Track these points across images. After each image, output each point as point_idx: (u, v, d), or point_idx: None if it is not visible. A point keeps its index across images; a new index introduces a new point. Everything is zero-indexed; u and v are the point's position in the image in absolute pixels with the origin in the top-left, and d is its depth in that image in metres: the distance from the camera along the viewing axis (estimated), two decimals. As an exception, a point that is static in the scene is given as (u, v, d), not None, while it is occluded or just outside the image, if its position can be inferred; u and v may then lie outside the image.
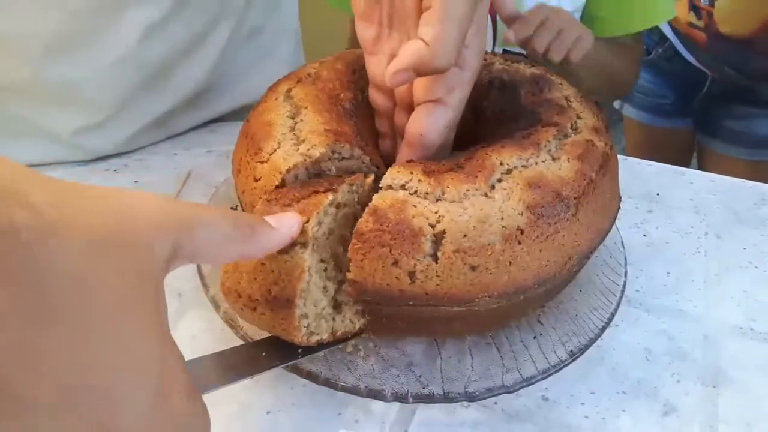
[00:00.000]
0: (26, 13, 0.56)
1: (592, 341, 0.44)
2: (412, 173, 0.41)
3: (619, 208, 0.48)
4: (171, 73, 0.66)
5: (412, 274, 0.38)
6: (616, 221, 0.48)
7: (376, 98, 0.48)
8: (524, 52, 0.82)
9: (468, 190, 0.40)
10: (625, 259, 0.51)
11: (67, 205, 0.23)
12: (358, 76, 0.50)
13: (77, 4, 0.57)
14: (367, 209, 0.39)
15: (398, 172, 0.41)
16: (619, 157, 0.52)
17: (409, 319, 0.43)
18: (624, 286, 0.48)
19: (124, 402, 0.24)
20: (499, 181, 0.41)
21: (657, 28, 1.17)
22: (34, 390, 0.22)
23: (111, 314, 0.24)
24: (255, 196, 0.44)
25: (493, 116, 0.50)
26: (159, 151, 0.69)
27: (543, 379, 0.42)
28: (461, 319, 0.43)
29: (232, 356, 0.37)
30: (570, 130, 0.45)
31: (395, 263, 0.38)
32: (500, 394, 0.41)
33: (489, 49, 0.92)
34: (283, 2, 0.77)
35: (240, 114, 0.75)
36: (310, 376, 0.41)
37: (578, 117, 0.47)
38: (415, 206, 0.39)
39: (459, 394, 0.41)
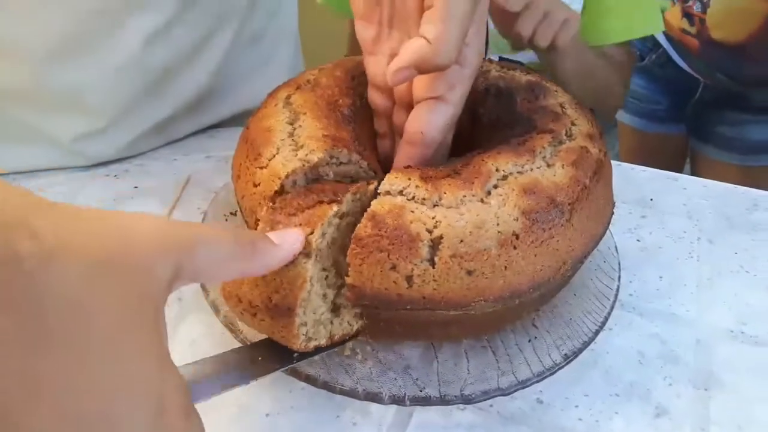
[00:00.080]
0: (29, 18, 0.57)
1: (586, 345, 0.44)
2: (409, 179, 0.41)
3: (613, 213, 0.48)
4: (173, 79, 0.67)
5: (409, 279, 0.39)
6: (610, 226, 0.48)
7: (375, 98, 0.49)
8: (522, 61, 0.83)
9: (464, 195, 0.41)
10: (619, 263, 0.51)
11: (67, 231, 0.24)
12: (356, 82, 0.50)
13: (80, 10, 0.58)
14: (365, 215, 0.40)
15: (396, 178, 0.41)
16: (613, 162, 0.53)
17: (407, 322, 0.43)
18: (617, 290, 0.49)
19: (123, 425, 0.24)
20: (495, 187, 0.41)
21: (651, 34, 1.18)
22: (34, 417, 0.22)
23: (110, 338, 0.24)
24: (254, 201, 0.44)
25: (490, 123, 0.51)
26: (159, 156, 0.69)
27: (538, 381, 0.42)
28: (458, 323, 0.44)
29: (229, 361, 0.37)
30: (565, 137, 0.46)
31: (393, 268, 0.39)
32: (496, 396, 0.42)
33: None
34: (283, 7, 0.78)
35: (239, 119, 0.75)
36: (309, 379, 0.42)
37: (573, 124, 0.47)
38: (412, 212, 0.40)
39: (455, 396, 0.41)
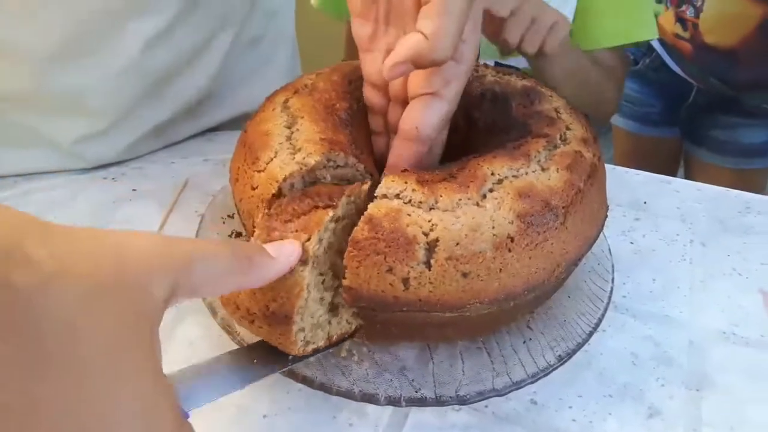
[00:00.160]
0: (30, 21, 0.57)
1: (580, 346, 0.45)
2: (406, 183, 0.42)
3: (607, 216, 0.49)
4: (172, 83, 0.67)
5: (406, 281, 0.39)
6: (604, 229, 0.49)
7: (371, 96, 0.49)
8: (517, 67, 0.83)
9: (460, 199, 0.41)
10: (613, 266, 0.52)
11: (63, 254, 0.24)
12: (353, 86, 0.51)
13: (81, 13, 0.58)
14: (362, 218, 0.40)
15: (393, 181, 0.42)
16: (608, 166, 0.53)
17: (403, 324, 0.44)
18: (611, 292, 0.49)
19: None
20: (491, 190, 0.42)
21: (645, 38, 1.19)
22: None
23: (106, 359, 0.24)
24: (252, 204, 0.45)
25: (485, 127, 0.51)
26: (157, 159, 0.70)
27: (532, 382, 0.43)
28: (453, 325, 0.44)
29: (225, 364, 0.37)
30: (559, 141, 0.47)
31: (390, 270, 0.39)
32: (490, 397, 0.42)
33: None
34: (281, 11, 0.78)
35: (237, 123, 0.76)
36: (306, 381, 0.42)
37: (567, 128, 0.48)
38: (409, 215, 0.40)
39: (450, 397, 0.42)
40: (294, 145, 0.45)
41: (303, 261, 0.37)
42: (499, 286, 0.41)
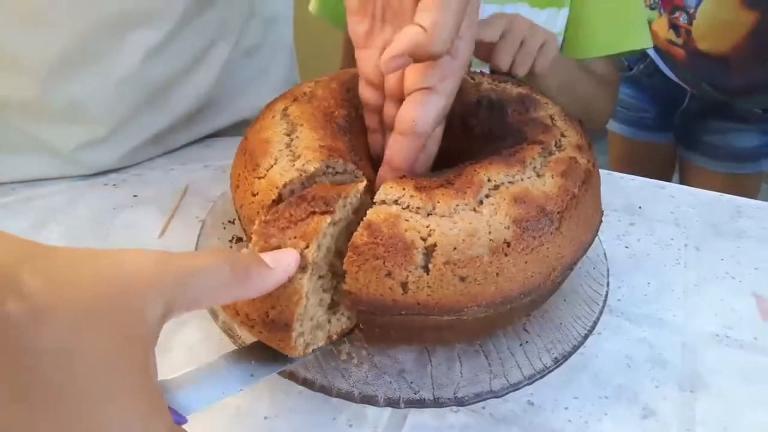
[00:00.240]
0: (33, 32, 0.58)
1: (576, 348, 0.46)
2: (404, 189, 0.42)
3: (602, 221, 0.50)
4: (171, 92, 0.68)
5: (404, 285, 0.40)
6: (599, 234, 0.50)
7: (366, 93, 0.49)
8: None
9: (457, 205, 0.42)
10: (608, 270, 0.53)
11: (56, 283, 0.24)
12: (352, 94, 0.52)
13: (83, 26, 0.59)
14: (361, 223, 0.41)
15: (391, 188, 0.43)
16: (603, 171, 0.54)
17: (401, 328, 0.44)
18: (606, 295, 0.50)
19: None
20: (487, 196, 0.43)
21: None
22: None
23: (100, 385, 0.24)
24: (253, 210, 0.45)
25: (482, 134, 0.52)
26: (156, 166, 0.70)
27: (529, 384, 0.44)
28: (451, 328, 0.45)
29: (223, 367, 0.37)
30: (554, 148, 0.47)
31: (389, 274, 0.40)
32: (488, 399, 0.43)
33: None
34: (279, 20, 0.79)
35: (235, 129, 0.77)
36: (306, 383, 0.43)
37: (562, 135, 0.49)
38: (407, 220, 0.41)
39: (449, 399, 0.42)
40: (294, 152, 0.46)
41: (302, 268, 0.37)
42: (496, 289, 0.41)
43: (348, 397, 0.42)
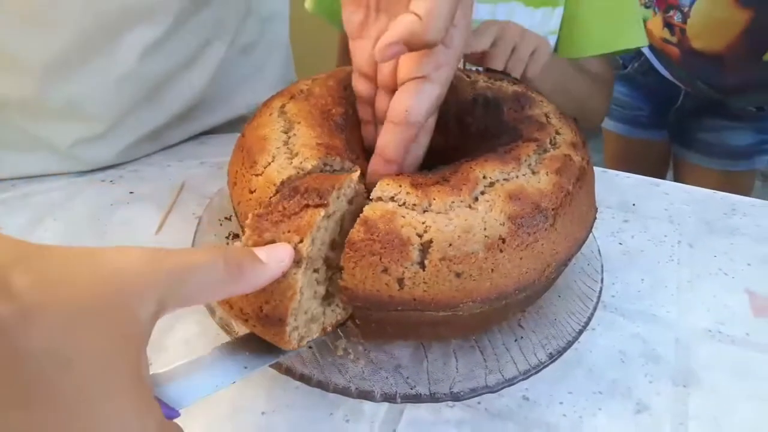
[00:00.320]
0: (31, 32, 0.58)
1: (570, 344, 0.46)
2: (400, 186, 0.43)
3: (596, 218, 0.50)
4: (168, 89, 0.68)
5: (400, 281, 0.40)
6: (594, 230, 0.50)
7: (359, 85, 0.49)
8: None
9: (453, 201, 0.42)
10: (602, 266, 0.53)
11: (46, 282, 0.24)
12: (349, 92, 0.52)
13: (80, 24, 0.59)
14: (358, 220, 0.41)
15: (387, 185, 0.43)
16: (598, 169, 0.55)
17: (398, 323, 0.45)
18: (600, 292, 0.51)
19: None
20: (482, 193, 0.43)
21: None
22: None
23: (92, 384, 0.24)
24: (250, 207, 0.45)
25: (477, 132, 0.53)
26: (153, 162, 0.71)
27: (524, 379, 0.44)
28: (446, 324, 0.45)
29: (218, 359, 0.36)
30: (549, 146, 0.48)
31: (385, 270, 0.40)
32: (483, 394, 0.43)
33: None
34: (275, 18, 0.79)
35: (230, 126, 0.77)
36: (303, 378, 0.43)
37: (557, 133, 0.49)
38: (403, 217, 0.41)
39: (444, 394, 0.43)
40: (291, 150, 0.46)
41: (296, 263, 0.36)
42: (491, 285, 0.42)
43: (345, 392, 0.43)
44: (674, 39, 1.11)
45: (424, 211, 0.42)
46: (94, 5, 0.59)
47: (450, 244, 0.41)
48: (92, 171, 0.68)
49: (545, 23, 0.91)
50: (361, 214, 0.41)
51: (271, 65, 0.80)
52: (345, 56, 1.04)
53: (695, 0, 1.05)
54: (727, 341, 0.52)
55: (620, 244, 0.62)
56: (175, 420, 0.31)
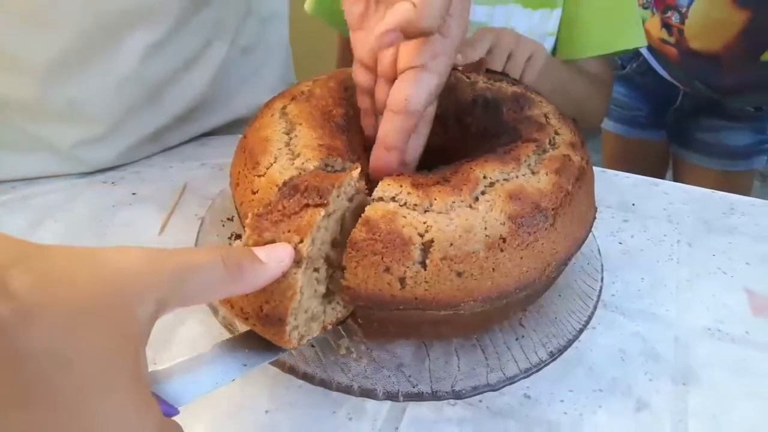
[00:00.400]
0: (32, 33, 0.58)
1: (571, 343, 0.47)
2: (401, 186, 0.43)
3: (595, 218, 0.50)
4: (168, 91, 0.69)
5: (402, 280, 0.41)
6: (594, 230, 0.51)
7: (360, 75, 0.49)
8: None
9: (454, 201, 0.43)
10: (602, 265, 0.54)
11: (45, 282, 0.24)
12: (349, 93, 0.52)
13: (81, 26, 0.59)
14: (360, 220, 0.41)
15: (389, 185, 0.43)
16: (597, 169, 0.55)
17: (399, 322, 0.45)
18: (600, 291, 0.51)
19: None
20: (483, 193, 0.43)
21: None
22: None
23: (92, 384, 0.24)
24: (253, 208, 0.46)
25: (477, 132, 0.53)
26: (154, 163, 0.71)
27: (525, 377, 0.44)
28: (448, 323, 0.46)
29: (218, 356, 0.36)
30: (548, 146, 0.48)
31: (387, 270, 0.40)
32: (485, 392, 0.44)
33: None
34: (275, 19, 0.79)
35: (231, 127, 0.77)
36: (306, 377, 0.43)
37: (556, 133, 0.50)
38: (404, 217, 0.42)
39: (446, 392, 0.43)
40: (293, 151, 0.47)
41: (296, 263, 0.36)
42: (492, 284, 0.42)
43: (347, 390, 0.43)
44: (672, 39, 1.11)
45: (425, 211, 0.42)
46: (94, 6, 0.59)
47: (451, 244, 0.41)
48: (93, 172, 0.69)
49: (543, 25, 0.91)
50: (362, 215, 0.42)
51: (271, 66, 0.80)
52: (345, 57, 1.05)
53: (693, 1, 1.06)
54: (726, 340, 0.52)
55: (620, 243, 0.62)
56: (177, 418, 0.31)
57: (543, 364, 0.45)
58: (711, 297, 0.56)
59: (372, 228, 0.41)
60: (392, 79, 0.47)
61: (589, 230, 0.49)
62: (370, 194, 0.43)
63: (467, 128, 0.54)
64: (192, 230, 0.55)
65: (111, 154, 0.68)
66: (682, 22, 1.08)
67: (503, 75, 0.57)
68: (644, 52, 1.21)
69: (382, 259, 0.40)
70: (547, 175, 0.46)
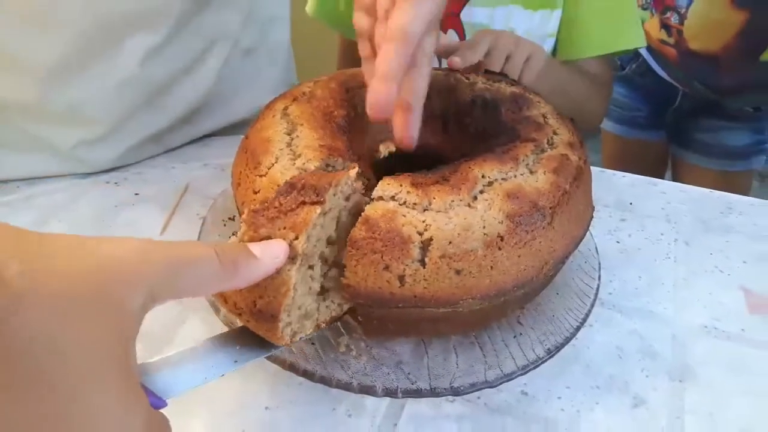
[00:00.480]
0: (33, 36, 0.59)
1: (568, 340, 0.47)
2: (401, 185, 0.44)
3: (593, 217, 0.51)
4: (170, 93, 0.69)
5: (401, 278, 0.41)
6: (591, 229, 0.51)
7: (360, 20, 0.49)
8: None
9: (453, 200, 0.43)
10: (599, 264, 0.54)
11: (38, 272, 0.24)
12: (350, 94, 0.53)
13: (82, 29, 0.60)
14: (360, 219, 0.42)
15: (388, 184, 0.44)
16: (596, 169, 0.55)
17: (399, 320, 0.46)
18: (598, 289, 0.51)
19: None
20: (481, 192, 0.44)
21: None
22: None
23: (83, 373, 0.24)
24: (254, 207, 0.46)
25: (476, 132, 0.54)
26: (156, 164, 0.72)
27: (522, 374, 0.45)
28: (446, 320, 0.46)
29: (210, 350, 0.36)
30: (546, 146, 0.49)
31: (386, 268, 0.41)
32: (483, 389, 0.44)
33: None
34: (276, 21, 0.80)
35: (232, 128, 0.78)
36: (306, 374, 0.44)
37: (554, 133, 0.50)
38: (404, 216, 0.42)
39: (445, 389, 0.44)
40: (294, 151, 0.47)
41: (291, 259, 0.36)
42: (490, 282, 0.43)
43: (347, 387, 0.43)
44: (671, 40, 1.12)
45: (425, 210, 0.43)
46: (95, 7, 0.59)
47: (450, 242, 0.41)
48: (96, 173, 0.69)
49: (544, 25, 0.92)
50: (363, 213, 0.42)
51: (273, 68, 0.81)
52: (346, 59, 1.05)
53: (692, 1, 1.06)
54: (723, 337, 0.53)
55: (618, 242, 0.62)
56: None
57: (540, 362, 0.45)
58: (708, 295, 0.57)
59: (372, 227, 0.41)
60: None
61: (587, 229, 0.50)
62: (366, 190, 0.44)
63: (466, 128, 0.54)
64: (194, 230, 0.56)
65: (112, 155, 0.69)
66: (681, 23, 1.08)
67: (502, 76, 0.57)
68: (643, 52, 1.22)
69: (382, 257, 0.41)
70: (545, 174, 0.46)
